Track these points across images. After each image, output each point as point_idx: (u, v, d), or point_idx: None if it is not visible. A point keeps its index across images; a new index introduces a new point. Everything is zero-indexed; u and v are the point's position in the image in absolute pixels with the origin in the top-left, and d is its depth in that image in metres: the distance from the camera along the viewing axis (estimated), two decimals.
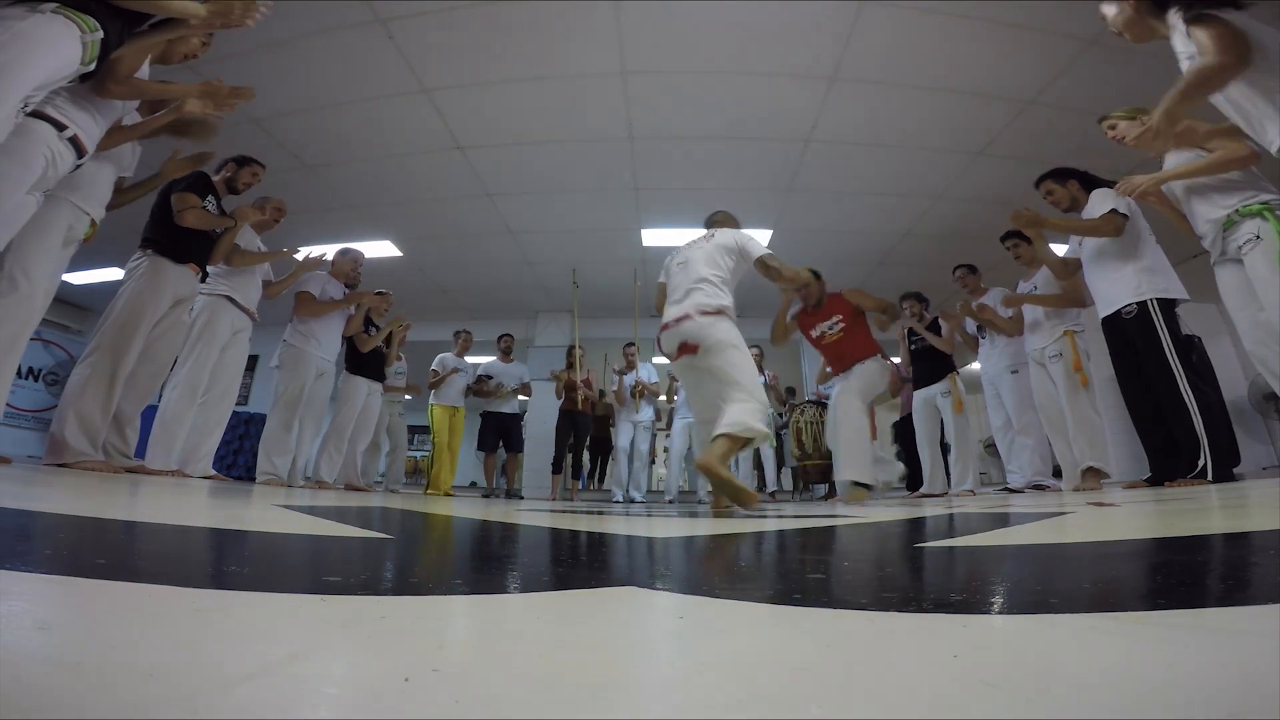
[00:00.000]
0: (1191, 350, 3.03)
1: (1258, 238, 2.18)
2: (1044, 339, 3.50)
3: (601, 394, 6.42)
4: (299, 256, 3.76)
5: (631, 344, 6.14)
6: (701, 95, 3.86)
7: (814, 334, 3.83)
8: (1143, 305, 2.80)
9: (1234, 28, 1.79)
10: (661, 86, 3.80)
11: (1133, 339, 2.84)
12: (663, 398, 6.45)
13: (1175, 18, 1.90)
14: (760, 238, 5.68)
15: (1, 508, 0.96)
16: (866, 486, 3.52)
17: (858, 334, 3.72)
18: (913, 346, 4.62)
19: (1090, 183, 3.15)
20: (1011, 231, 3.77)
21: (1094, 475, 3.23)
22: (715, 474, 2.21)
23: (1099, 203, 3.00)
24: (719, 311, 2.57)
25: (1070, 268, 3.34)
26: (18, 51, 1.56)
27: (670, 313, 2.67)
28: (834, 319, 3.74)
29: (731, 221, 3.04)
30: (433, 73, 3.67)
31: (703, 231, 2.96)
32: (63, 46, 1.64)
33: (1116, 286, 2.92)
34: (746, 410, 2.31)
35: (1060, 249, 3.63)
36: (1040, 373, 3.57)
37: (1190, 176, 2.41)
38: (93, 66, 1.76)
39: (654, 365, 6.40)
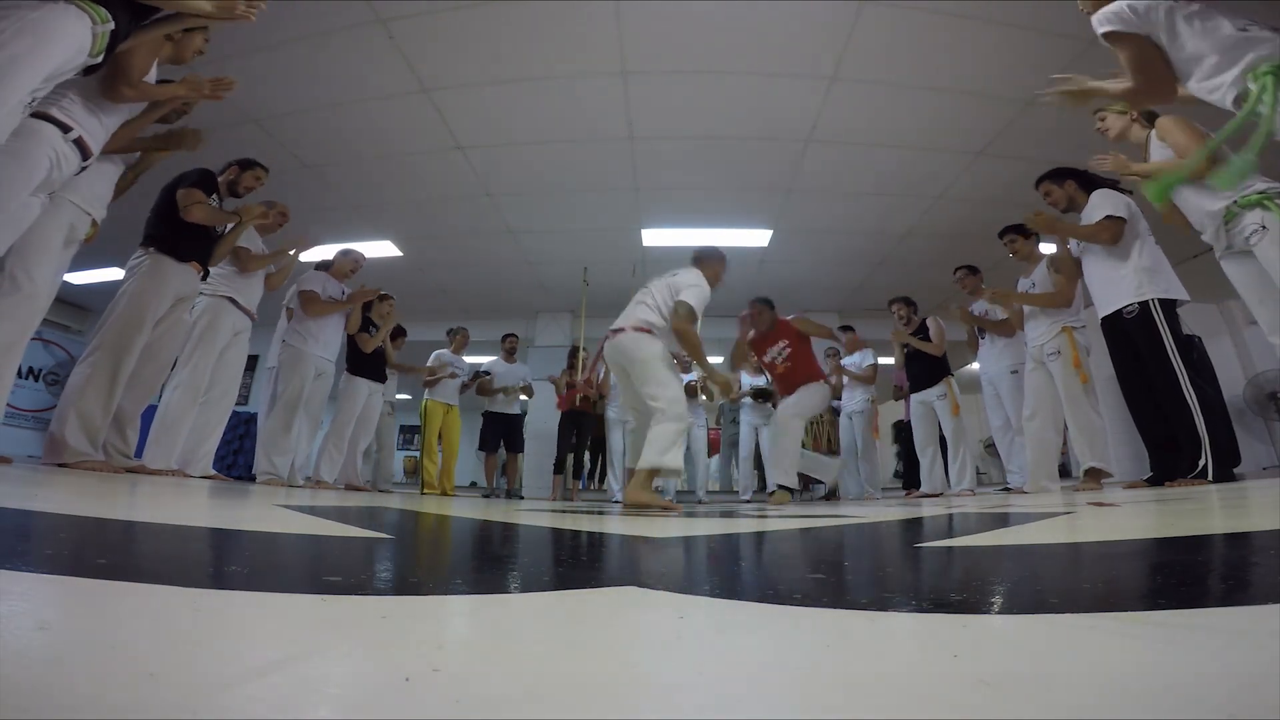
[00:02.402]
0: (1192, 350, 3.01)
1: (1263, 228, 2.13)
2: (1042, 334, 3.48)
3: (602, 395, 6.41)
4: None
5: None
6: (701, 95, 3.86)
7: (766, 359, 4.14)
8: (1144, 305, 2.79)
9: (1141, 48, 1.84)
10: (661, 86, 3.79)
11: (1134, 339, 2.83)
12: None
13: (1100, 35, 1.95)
14: (760, 238, 5.72)
15: (1, 508, 0.96)
16: (789, 489, 3.91)
17: (802, 360, 4.05)
18: (907, 349, 4.63)
19: (1089, 182, 3.14)
20: (1009, 227, 3.77)
21: (1095, 475, 3.22)
22: (638, 504, 2.54)
23: (1098, 206, 2.98)
24: (648, 329, 2.83)
25: (1070, 268, 3.33)
26: (32, 42, 1.55)
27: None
28: (781, 344, 4.04)
29: (705, 265, 3.18)
30: (433, 73, 3.67)
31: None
32: (74, 37, 1.64)
33: (1116, 286, 2.91)
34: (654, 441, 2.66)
35: (1049, 247, 3.63)
36: (1039, 371, 3.55)
37: (1155, 175, 2.38)
38: (100, 59, 1.75)
39: None
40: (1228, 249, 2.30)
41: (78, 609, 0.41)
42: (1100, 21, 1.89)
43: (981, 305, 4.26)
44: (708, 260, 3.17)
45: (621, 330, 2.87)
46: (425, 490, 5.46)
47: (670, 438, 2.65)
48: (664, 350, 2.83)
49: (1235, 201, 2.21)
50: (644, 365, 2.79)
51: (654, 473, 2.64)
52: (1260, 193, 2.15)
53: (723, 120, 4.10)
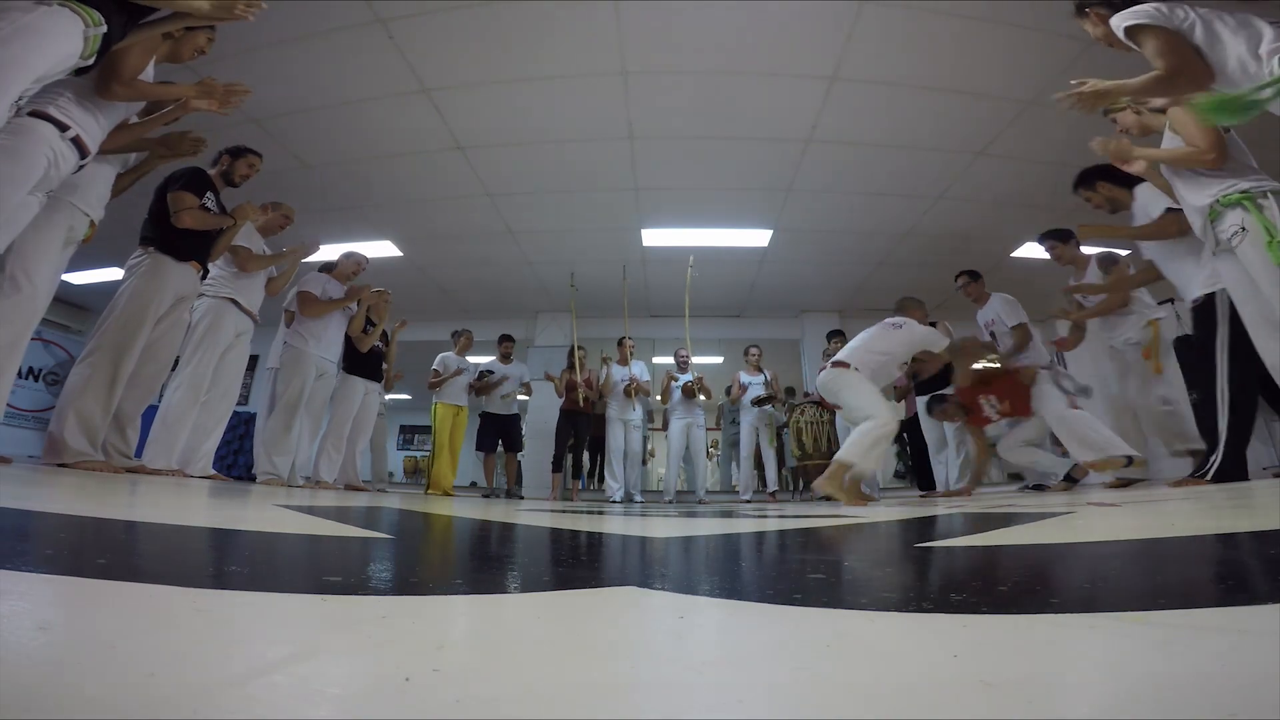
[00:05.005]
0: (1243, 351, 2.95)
1: (1243, 229, 2.09)
2: (1130, 329, 3.43)
3: (601, 395, 6.41)
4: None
5: (625, 339, 6.11)
6: (701, 95, 3.85)
7: (995, 420, 3.98)
8: (1210, 297, 2.64)
9: (1172, 37, 1.82)
10: (661, 86, 3.79)
11: (1195, 327, 2.74)
12: (657, 398, 6.44)
13: (1120, 33, 1.93)
14: (760, 238, 5.72)
15: (1, 508, 0.96)
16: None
17: (1011, 388, 3.83)
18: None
19: (1124, 178, 2.95)
20: (1047, 233, 3.71)
21: (1195, 455, 3.16)
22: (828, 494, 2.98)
23: (1154, 201, 2.85)
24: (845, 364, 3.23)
25: (1123, 274, 3.31)
26: (23, 46, 1.55)
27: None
28: (986, 402, 3.92)
29: (916, 310, 3.55)
30: (433, 73, 3.67)
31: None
32: (65, 40, 1.63)
33: (1192, 280, 2.76)
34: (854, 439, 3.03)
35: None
36: (1118, 360, 3.52)
37: (1159, 162, 2.36)
38: (91, 61, 1.75)
39: (644, 365, 6.39)
40: (1217, 246, 2.26)
41: (78, 609, 0.41)
42: (1125, 17, 1.87)
43: (988, 314, 4.24)
44: (910, 306, 3.59)
45: (822, 368, 3.32)
46: (430, 490, 5.47)
47: (873, 439, 2.96)
48: (860, 379, 3.16)
49: (1218, 200, 2.17)
50: (844, 397, 3.17)
51: (846, 466, 2.91)
52: (1242, 192, 2.12)
53: (723, 120, 4.10)
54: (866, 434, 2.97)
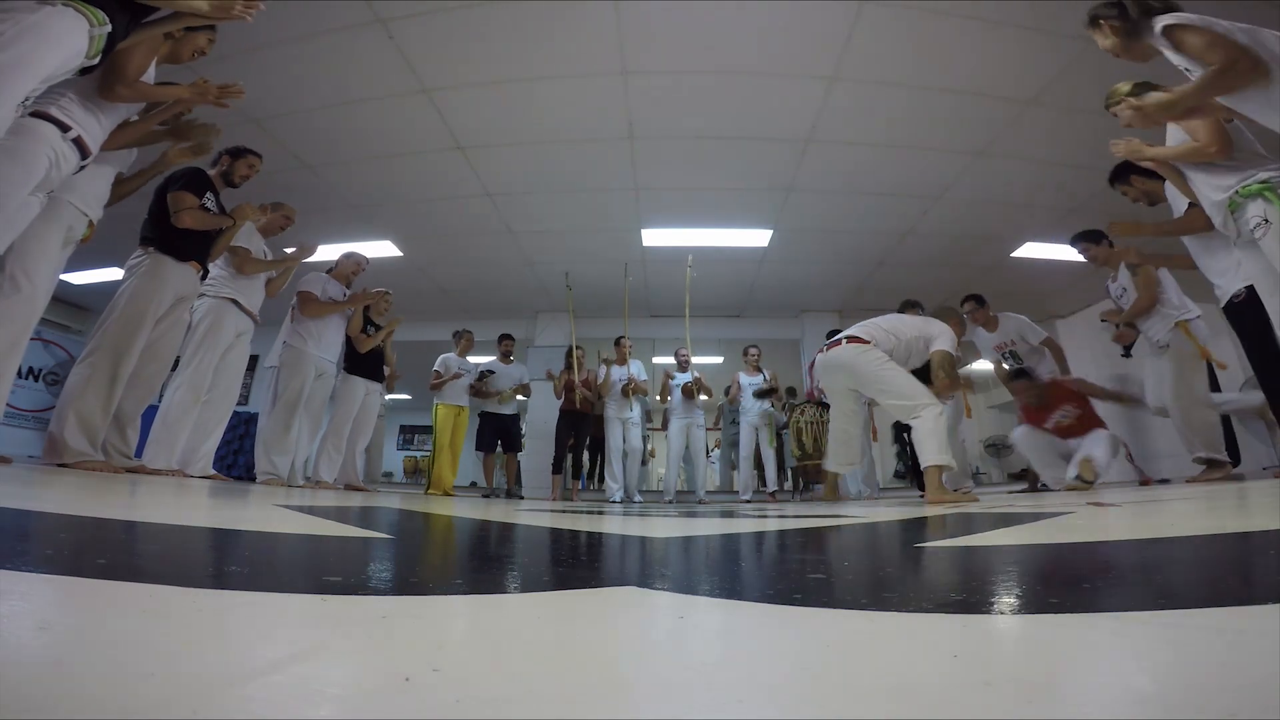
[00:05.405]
0: None
1: (1266, 221, 2.06)
2: (1157, 329, 3.45)
3: (600, 395, 6.40)
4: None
5: (623, 338, 6.10)
6: (701, 95, 3.85)
7: (1049, 425, 3.95)
8: (1251, 289, 2.57)
9: (1216, 32, 1.81)
10: (661, 86, 3.79)
11: (1243, 322, 2.69)
12: (656, 397, 6.43)
13: (1158, 39, 1.91)
14: (760, 238, 5.73)
15: (1, 508, 0.96)
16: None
17: (1088, 417, 3.85)
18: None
19: (1154, 172, 2.89)
20: (1080, 234, 3.68)
21: (1217, 468, 3.15)
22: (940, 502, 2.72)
23: (1180, 195, 2.80)
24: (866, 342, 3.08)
25: (1148, 274, 3.32)
26: (29, 46, 1.55)
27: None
28: (1062, 410, 3.88)
29: (954, 320, 3.46)
30: (433, 73, 3.67)
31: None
32: (71, 40, 1.63)
33: (1229, 275, 2.74)
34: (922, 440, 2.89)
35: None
36: (1152, 364, 3.54)
37: (1168, 160, 2.35)
38: (96, 61, 1.75)
39: (641, 365, 6.38)
40: (1239, 238, 2.23)
41: (78, 609, 0.41)
42: (1168, 18, 1.85)
43: (1004, 336, 4.24)
44: (947, 314, 3.48)
45: (834, 344, 3.16)
46: (431, 490, 5.47)
47: (940, 432, 2.87)
48: (888, 359, 3.03)
49: (1237, 191, 2.14)
50: (873, 378, 3.03)
51: (941, 469, 2.85)
52: (1262, 182, 2.08)
53: (723, 120, 4.10)
54: (935, 429, 2.86)
